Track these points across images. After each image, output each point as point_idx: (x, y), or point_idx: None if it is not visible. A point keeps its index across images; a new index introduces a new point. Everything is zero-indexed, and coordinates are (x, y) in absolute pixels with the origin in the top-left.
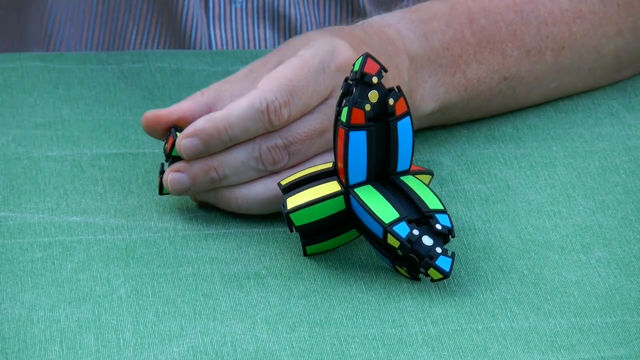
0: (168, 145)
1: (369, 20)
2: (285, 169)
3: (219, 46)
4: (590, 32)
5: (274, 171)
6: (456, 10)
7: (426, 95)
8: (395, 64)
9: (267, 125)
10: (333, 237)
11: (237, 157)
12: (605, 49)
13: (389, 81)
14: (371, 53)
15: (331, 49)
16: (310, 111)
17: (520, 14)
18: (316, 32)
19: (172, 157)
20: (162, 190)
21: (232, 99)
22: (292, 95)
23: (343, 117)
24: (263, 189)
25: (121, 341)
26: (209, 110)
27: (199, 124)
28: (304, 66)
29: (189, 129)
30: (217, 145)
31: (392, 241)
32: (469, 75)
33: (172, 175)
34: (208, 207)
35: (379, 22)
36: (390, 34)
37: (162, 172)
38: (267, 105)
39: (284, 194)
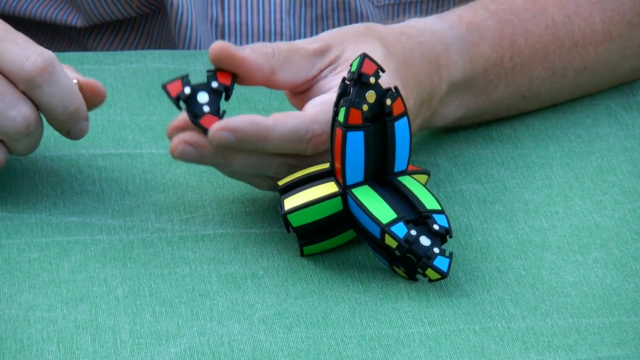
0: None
1: (429, 30)
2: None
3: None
4: (613, 54)
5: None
6: (503, 32)
7: (446, 114)
8: (431, 100)
9: (301, 151)
10: (330, 238)
11: (249, 160)
12: (621, 69)
13: (418, 115)
14: (414, 83)
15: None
16: None
17: (556, 36)
18: (383, 49)
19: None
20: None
21: (292, 74)
22: None
23: (340, 118)
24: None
25: (118, 341)
26: (271, 73)
27: (243, 123)
28: None
29: (230, 123)
30: (248, 147)
31: (389, 241)
32: (493, 98)
33: (184, 147)
34: (204, 208)
35: (438, 39)
36: (441, 61)
37: (187, 81)
38: (312, 137)
39: (281, 195)
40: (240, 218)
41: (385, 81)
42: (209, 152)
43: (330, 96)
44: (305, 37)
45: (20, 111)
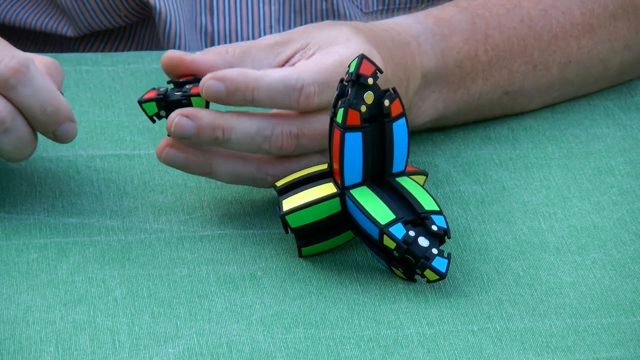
0: (192, 91)
1: (396, 23)
2: (288, 156)
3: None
4: (598, 46)
5: (275, 155)
6: (474, 25)
7: (425, 109)
8: (407, 81)
9: (293, 104)
10: (329, 239)
11: (248, 127)
12: (612, 62)
13: (390, 79)
14: (392, 67)
15: (368, 54)
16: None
17: (533, 29)
18: (350, 28)
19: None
20: (150, 113)
21: (254, 66)
22: (327, 87)
23: (339, 119)
24: (241, 167)
25: (117, 342)
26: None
27: (232, 72)
28: (342, 64)
29: (219, 73)
30: (238, 99)
31: (388, 242)
32: (472, 91)
33: (180, 119)
34: (202, 209)
35: (406, 30)
36: (412, 48)
37: (158, 89)
38: (303, 87)
39: (279, 196)
40: (239, 219)
41: (358, 48)
42: (205, 122)
43: (316, 58)
44: None
45: None
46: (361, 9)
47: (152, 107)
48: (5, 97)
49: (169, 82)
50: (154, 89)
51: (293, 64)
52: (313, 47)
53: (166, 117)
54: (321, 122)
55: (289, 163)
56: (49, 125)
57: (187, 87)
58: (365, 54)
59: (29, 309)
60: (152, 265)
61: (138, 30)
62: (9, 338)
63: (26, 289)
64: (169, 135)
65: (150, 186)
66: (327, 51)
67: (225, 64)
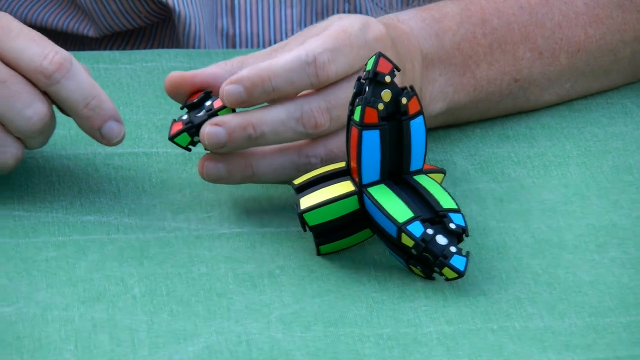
0: (215, 105)
1: (381, 17)
2: (324, 134)
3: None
4: (607, 36)
5: (312, 135)
6: (469, 11)
7: (435, 94)
8: (411, 57)
9: (312, 79)
10: (347, 237)
11: (277, 115)
12: (622, 53)
13: (406, 73)
14: (393, 41)
15: (365, 22)
16: (350, 77)
17: (534, 16)
18: (339, 14)
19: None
20: (184, 144)
21: None
22: (338, 53)
23: (356, 117)
24: (281, 158)
25: (135, 340)
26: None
27: (244, 72)
28: (345, 30)
29: (233, 77)
30: (259, 94)
31: (406, 240)
32: (478, 76)
33: (210, 128)
34: (221, 207)
35: (393, 19)
36: (404, 29)
37: (181, 119)
38: (315, 58)
39: (297, 194)
40: (257, 217)
41: (354, 18)
42: (235, 123)
43: (315, 36)
44: None
45: (36, 110)
46: (385, 11)
47: (185, 138)
48: (48, 92)
49: (182, 108)
50: (175, 120)
51: None
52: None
53: (199, 141)
54: (346, 90)
55: (328, 140)
56: (94, 121)
57: (207, 104)
58: (362, 19)
59: (48, 307)
60: (171, 263)
61: (158, 30)
62: (28, 336)
63: (45, 287)
64: (205, 150)
65: (168, 184)
66: (325, 30)
67: (226, 73)
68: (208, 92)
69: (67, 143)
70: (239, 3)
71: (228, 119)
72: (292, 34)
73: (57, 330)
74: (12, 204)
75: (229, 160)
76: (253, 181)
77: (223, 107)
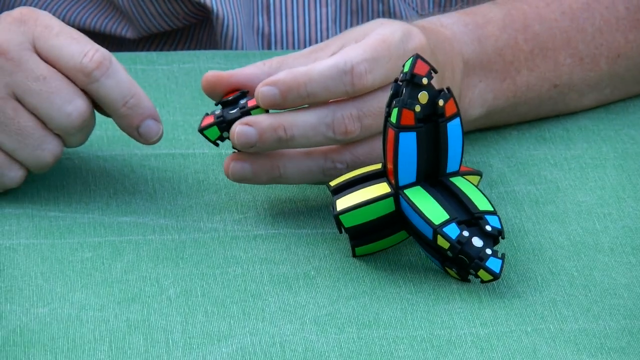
0: (249, 104)
1: (424, 20)
2: (354, 141)
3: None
4: None
5: (341, 142)
6: (511, 16)
7: (475, 99)
8: (451, 64)
9: (348, 87)
10: (382, 239)
11: (308, 119)
12: None
13: (445, 80)
14: (432, 49)
15: (407, 31)
16: (385, 87)
17: (575, 21)
18: (381, 20)
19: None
20: (212, 138)
21: None
22: (376, 63)
23: (393, 118)
24: (309, 161)
25: (170, 341)
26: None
27: (281, 75)
28: (385, 40)
29: (269, 79)
30: (294, 98)
31: (442, 242)
32: (518, 82)
33: (241, 127)
34: (256, 208)
35: (435, 22)
36: (447, 34)
37: (214, 113)
38: (353, 67)
39: (333, 195)
40: (293, 218)
41: (395, 26)
42: (266, 124)
43: (356, 44)
44: None
45: (76, 106)
46: (417, 11)
47: (215, 132)
48: (88, 90)
49: (217, 104)
50: (207, 114)
51: None
52: (349, 43)
53: (229, 137)
54: (380, 100)
55: (355, 148)
56: (132, 119)
57: (241, 102)
58: (404, 28)
59: (83, 307)
60: (206, 264)
61: (196, 31)
62: (62, 336)
63: (80, 287)
64: (234, 148)
65: (204, 185)
66: (365, 36)
67: (264, 74)
68: (244, 92)
69: (104, 144)
70: (274, 2)
71: (260, 120)
72: (327, 32)
73: (91, 330)
74: (48, 204)
75: (256, 160)
76: (278, 182)
77: (256, 107)
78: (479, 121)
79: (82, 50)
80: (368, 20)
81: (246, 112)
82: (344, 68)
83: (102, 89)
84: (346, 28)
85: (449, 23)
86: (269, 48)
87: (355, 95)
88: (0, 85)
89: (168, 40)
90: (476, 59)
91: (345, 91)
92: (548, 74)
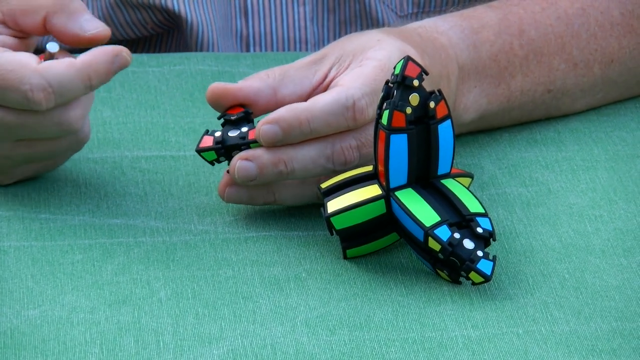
0: (250, 134)
1: (422, 23)
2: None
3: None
4: None
5: (340, 172)
6: (507, 21)
7: (469, 105)
8: (447, 73)
9: (350, 122)
10: (373, 241)
11: (308, 154)
12: None
13: (442, 89)
14: (428, 60)
15: (403, 53)
16: None
17: (570, 27)
18: (378, 31)
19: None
20: (209, 159)
21: (295, 86)
22: (377, 95)
23: (384, 120)
24: (303, 188)
25: (161, 344)
26: (274, 93)
27: (282, 112)
28: (383, 68)
29: (271, 116)
30: (296, 136)
31: (433, 244)
32: (512, 87)
33: (241, 163)
34: (247, 210)
35: (432, 28)
36: (442, 41)
37: (213, 134)
38: (354, 103)
39: (324, 198)
40: (283, 220)
41: (391, 47)
42: (266, 160)
43: (355, 69)
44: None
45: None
46: (395, 12)
47: (212, 155)
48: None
49: (219, 118)
50: (208, 133)
51: (332, 79)
52: (347, 57)
53: (226, 159)
54: None
55: None
56: (107, 78)
57: (243, 130)
58: (400, 51)
59: (74, 309)
60: (197, 267)
61: (163, 40)
62: (53, 339)
63: (71, 289)
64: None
65: (195, 187)
66: (362, 58)
67: (268, 87)
68: (248, 113)
69: (94, 146)
70: (252, 3)
71: (259, 154)
72: (306, 31)
73: (82, 333)
74: (39, 206)
75: (252, 186)
76: (273, 204)
77: (256, 141)
78: (471, 125)
79: (22, 96)
80: (345, 19)
81: (246, 144)
82: (346, 104)
83: (63, 102)
84: (323, 27)
85: (445, 29)
86: (248, 50)
87: (356, 127)
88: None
89: (137, 49)
90: (471, 64)
91: (347, 125)
92: (542, 78)
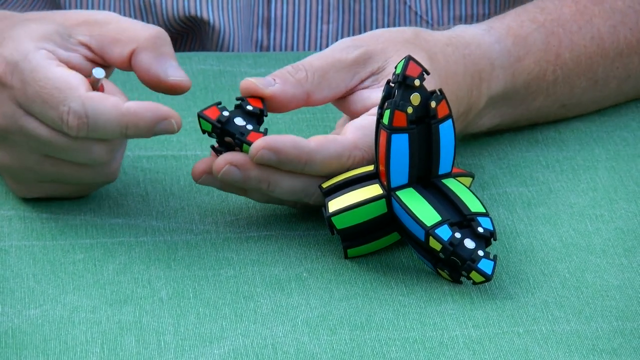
0: (249, 137)
1: (478, 43)
2: None
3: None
4: None
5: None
6: (548, 44)
7: (481, 124)
8: (469, 109)
9: (343, 169)
10: (374, 240)
11: (293, 185)
12: None
13: (458, 119)
14: (452, 99)
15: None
16: None
17: (601, 47)
18: (425, 56)
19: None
20: (203, 128)
21: (330, 91)
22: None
23: (385, 120)
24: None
25: (162, 343)
26: (307, 97)
27: (287, 145)
28: None
29: (273, 144)
30: (289, 167)
31: (434, 244)
32: (531, 108)
33: (228, 168)
34: (249, 210)
35: (485, 53)
36: (484, 75)
37: (222, 111)
38: (352, 163)
39: (325, 197)
40: (285, 220)
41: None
42: (253, 175)
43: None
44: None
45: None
46: (432, 26)
47: (207, 126)
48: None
49: (237, 99)
50: (218, 106)
51: (365, 88)
52: (386, 76)
53: (217, 139)
54: None
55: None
56: (143, 135)
57: (248, 127)
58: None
59: (75, 309)
60: (198, 266)
61: (183, 42)
62: (54, 338)
63: (72, 289)
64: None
65: (196, 187)
66: (384, 68)
67: (303, 93)
68: (263, 114)
69: None
70: (275, 16)
71: (249, 167)
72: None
73: (83, 332)
74: (40, 206)
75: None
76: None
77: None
78: (473, 133)
79: (58, 116)
80: None
81: (241, 142)
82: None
83: (94, 136)
84: None
85: (496, 56)
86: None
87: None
88: (26, 152)
89: None
90: (504, 94)
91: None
92: (562, 97)
